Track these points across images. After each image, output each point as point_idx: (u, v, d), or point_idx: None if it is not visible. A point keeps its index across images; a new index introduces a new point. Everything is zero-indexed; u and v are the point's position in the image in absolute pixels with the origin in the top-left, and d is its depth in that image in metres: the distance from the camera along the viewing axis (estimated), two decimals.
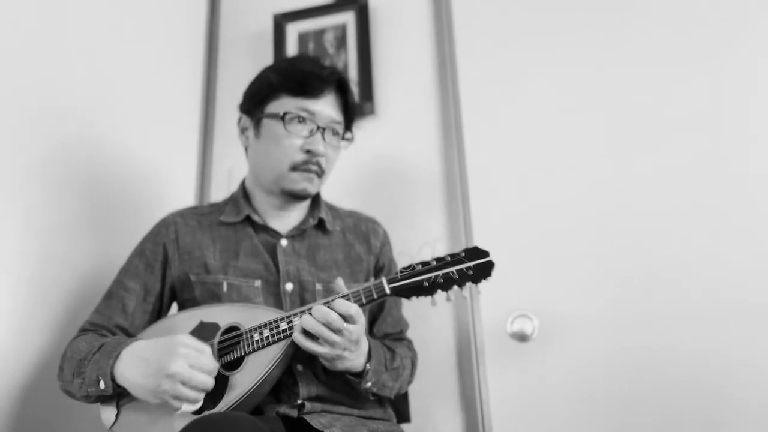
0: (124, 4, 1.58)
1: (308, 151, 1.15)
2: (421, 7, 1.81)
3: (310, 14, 1.87)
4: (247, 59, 1.93)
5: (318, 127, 1.15)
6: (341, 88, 1.19)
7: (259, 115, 1.18)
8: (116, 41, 1.53)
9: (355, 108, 1.24)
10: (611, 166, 1.50)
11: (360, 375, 1.05)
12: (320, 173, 1.18)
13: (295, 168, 1.15)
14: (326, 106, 1.16)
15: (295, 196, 1.19)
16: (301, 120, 1.14)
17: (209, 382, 0.94)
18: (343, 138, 1.22)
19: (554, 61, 1.62)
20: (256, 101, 1.19)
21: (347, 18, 1.84)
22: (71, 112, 1.36)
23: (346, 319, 0.95)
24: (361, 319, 0.99)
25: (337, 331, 0.95)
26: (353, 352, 1.00)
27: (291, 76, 1.16)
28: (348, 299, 0.99)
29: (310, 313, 0.96)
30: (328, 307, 0.96)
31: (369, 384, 1.05)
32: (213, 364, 0.95)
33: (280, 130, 1.14)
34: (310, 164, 1.16)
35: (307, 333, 0.97)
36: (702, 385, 1.32)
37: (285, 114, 1.14)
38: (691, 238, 1.40)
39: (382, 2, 1.85)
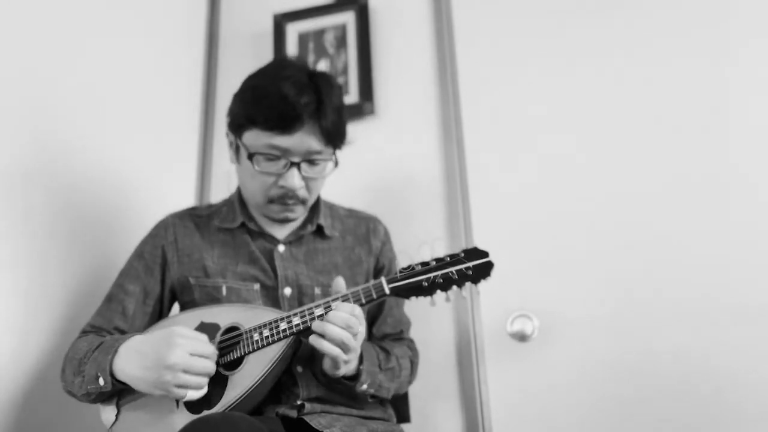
0: (123, 4, 1.58)
1: (283, 186, 1.10)
2: (421, 7, 1.81)
3: (310, 14, 1.87)
4: (247, 59, 1.92)
5: (292, 163, 1.08)
6: (320, 114, 1.07)
7: (238, 141, 1.13)
8: (116, 42, 1.53)
9: (339, 132, 1.12)
10: (612, 166, 1.50)
11: (355, 378, 1.05)
12: (302, 202, 1.14)
13: (272, 201, 1.13)
14: (302, 139, 1.06)
15: (279, 222, 1.19)
16: (273, 156, 1.08)
17: (211, 367, 0.95)
18: (329, 160, 1.14)
19: (555, 61, 1.62)
20: (233, 127, 1.13)
21: (347, 18, 1.84)
22: (71, 113, 1.36)
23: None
24: (363, 320, 0.99)
25: (354, 335, 0.95)
26: (351, 354, 0.99)
27: (260, 110, 1.06)
28: (347, 300, 0.99)
29: (330, 319, 0.95)
30: (332, 310, 0.97)
31: (365, 386, 1.05)
32: (211, 349, 0.96)
33: (251, 166, 1.09)
34: (287, 198, 1.11)
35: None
36: (702, 386, 1.31)
37: (253, 155, 1.08)
38: (692, 239, 1.40)
39: (382, 2, 1.85)
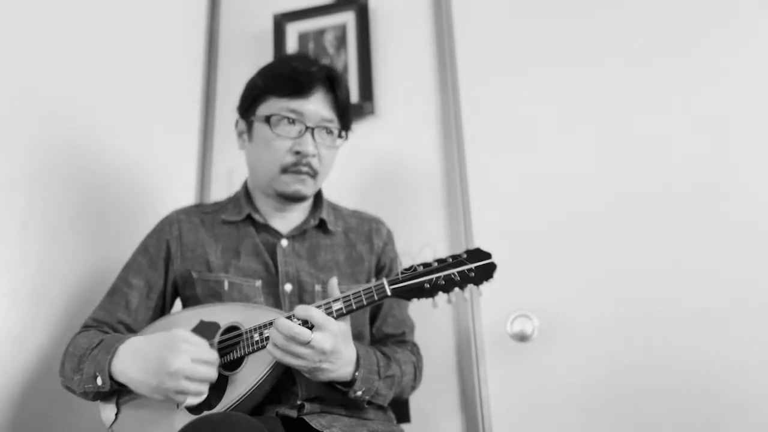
0: (123, 4, 1.57)
1: (297, 153, 1.13)
2: (421, 7, 1.81)
3: (310, 14, 1.87)
4: (247, 59, 1.92)
5: (307, 128, 1.13)
6: (332, 84, 1.16)
7: (251, 119, 1.18)
8: (116, 42, 1.53)
9: (348, 104, 1.20)
10: (612, 166, 1.50)
11: (348, 384, 1.02)
12: (313, 174, 1.16)
13: (285, 170, 1.14)
14: (316, 105, 1.14)
15: (289, 198, 1.18)
16: (290, 121, 1.13)
17: (213, 374, 0.95)
18: (339, 135, 1.20)
19: (555, 61, 1.62)
20: (246, 105, 1.19)
21: (347, 18, 1.84)
22: (72, 113, 1.36)
23: (310, 326, 0.93)
24: (333, 327, 0.95)
25: (305, 343, 0.92)
26: (334, 363, 0.96)
27: (276, 77, 1.14)
28: (348, 300, 0.98)
29: (275, 327, 0.93)
30: (293, 316, 0.95)
31: (359, 393, 1.03)
32: (214, 356, 0.96)
33: (268, 132, 1.13)
34: (301, 166, 1.14)
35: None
36: (701, 386, 1.32)
37: (270, 116, 1.13)
38: (692, 239, 1.40)
39: (382, 2, 1.85)
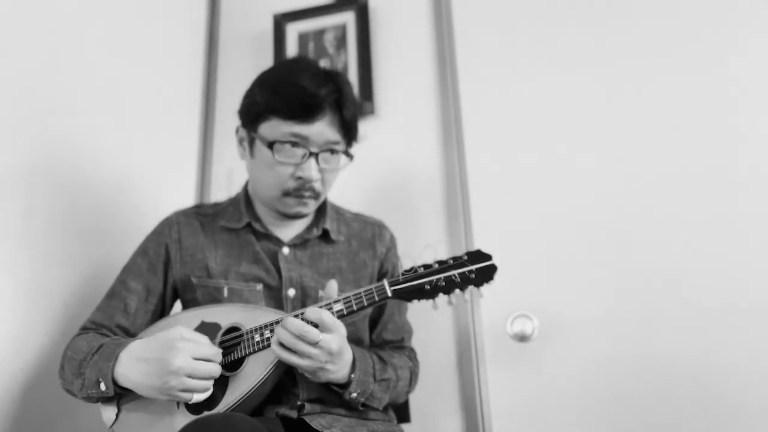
0: (123, 5, 1.57)
1: (300, 178, 1.10)
2: (421, 7, 1.81)
3: (310, 14, 1.87)
4: (247, 59, 1.92)
5: (310, 153, 1.09)
6: (340, 105, 1.10)
7: (252, 134, 1.13)
8: (116, 42, 1.53)
9: (355, 122, 1.14)
10: (612, 166, 1.50)
11: (344, 386, 1.03)
12: (315, 196, 1.14)
13: (287, 194, 1.12)
14: (321, 128, 1.08)
15: (290, 217, 1.18)
16: (293, 144, 1.08)
17: (215, 369, 0.94)
18: (345, 153, 1.15)
19: (556, 61, 1.62)
20: (248, 119, 1.13)
21: (347, 18, 1.84)
22: (71, 113, 1.36)
23: (318, 326, 0.93)
24: (340, 329, 0.96)
25: (313, 343, 0.93)
26: (336, 364, 0.97)
27: (281, 98, 1.07)
28: (349, 301, 0.98)
29: (283, 326, 0.94)
30: (302, 317, 0.95)
31: (354, 395, 1.03)
32: (214, 350, 0.95)
33: (270, 156, 1.09)
34: (303, 190, 1.11)
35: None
36: (701, 386, 1.32)
37: (273, 143, 1.08)
38: (692, 239, 1.40)
39: (382, 2, 1.85)
